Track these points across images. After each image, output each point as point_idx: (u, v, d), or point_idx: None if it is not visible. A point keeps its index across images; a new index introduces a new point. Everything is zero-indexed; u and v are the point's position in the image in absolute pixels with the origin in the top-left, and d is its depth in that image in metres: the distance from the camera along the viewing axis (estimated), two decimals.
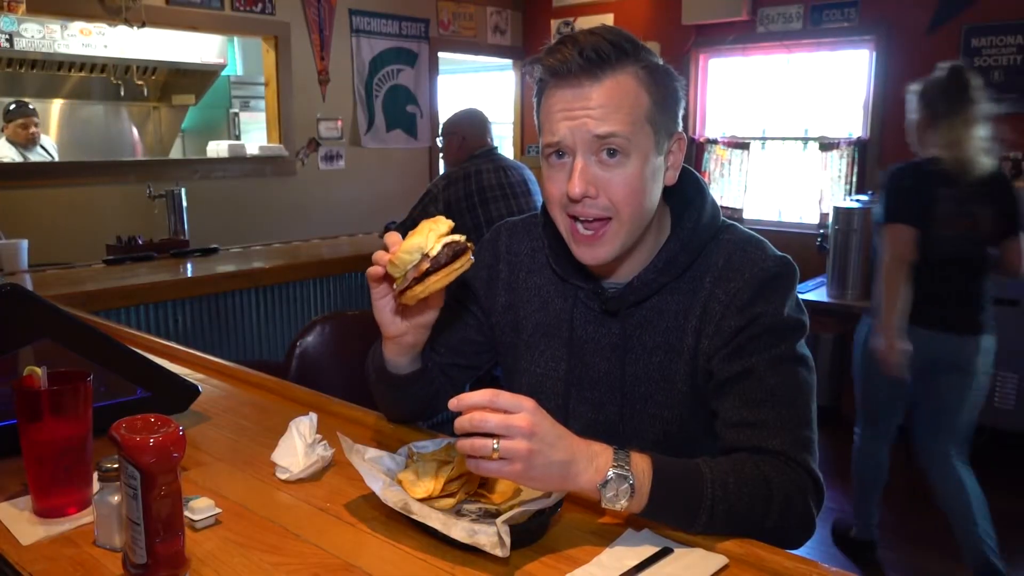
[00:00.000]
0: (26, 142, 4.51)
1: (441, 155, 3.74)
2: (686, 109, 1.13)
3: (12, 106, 4.53)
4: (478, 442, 0.86)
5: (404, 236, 1.03)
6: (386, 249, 1.04)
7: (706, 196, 1.15)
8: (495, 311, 1.26)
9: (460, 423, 0.87)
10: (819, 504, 1.02)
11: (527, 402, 0.88)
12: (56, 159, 4.72)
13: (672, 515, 0.95)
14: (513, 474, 0.87)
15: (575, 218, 1.08)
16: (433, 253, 1.01)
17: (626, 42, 1.04)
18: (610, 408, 1.16)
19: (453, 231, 1.03)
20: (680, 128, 1.11)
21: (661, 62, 1.08)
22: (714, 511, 0.93)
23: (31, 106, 4.60)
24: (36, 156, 4.59)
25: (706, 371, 1.10)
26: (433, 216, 1.04)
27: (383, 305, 1.10)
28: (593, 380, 1.17)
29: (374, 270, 1.06)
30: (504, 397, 0.87)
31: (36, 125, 4.57)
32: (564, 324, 1.19)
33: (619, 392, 1.15)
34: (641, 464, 0.93)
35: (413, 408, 1.26)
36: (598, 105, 1.02)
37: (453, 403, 0.88)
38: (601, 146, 1.03)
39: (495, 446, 0.85)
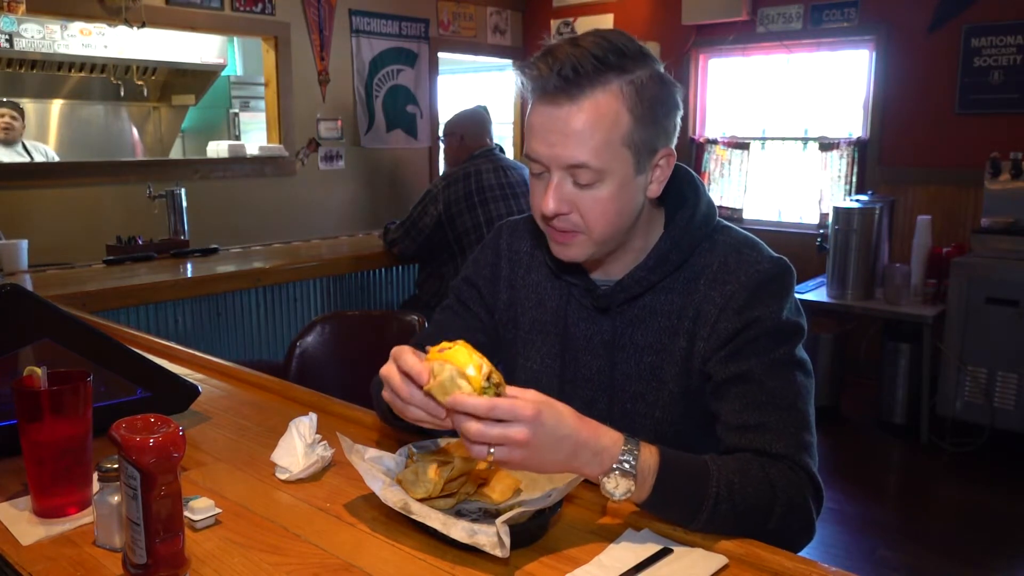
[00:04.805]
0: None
1: (442, 155, 3.76)
2: (685, 111, 1.11)
3: None
4: (475, 448, 0.86)
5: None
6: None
7: (701, 195, 1.15)
8: (498, 308, 1.27)
9: (462, 429, 0.86)
10: (819, 507, 1.02)
11: (525, 411, 0.85)
12: (34, 160, 4.58)
13: (672, 510, 0.95)
14: (509, 468, 0.91)
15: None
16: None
17: (613, 54, 1.00)
18: (600, 406, 1.16)
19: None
20: (671, 142, 1.08)
21: (655, 70, 1.04)
22: (716, 510, 0.93)
23: (18, 103, 4.52)
24: (13, 154, 4.42)
25: (702, 374, 1.10)
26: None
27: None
28: (585, 378, 1.17)
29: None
30: (501, 409, 0.85)
31: (15, 119, 4.44)
32: (559, 321, 1.20)
33: (608, 390, 1.15)
34: (648, 460, 0.92)
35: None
36: (572, 131, 1.01)
37: (449, 401, 0.86)
38: (574, 171, 1.03)
39: (491, 451, 0.86)
